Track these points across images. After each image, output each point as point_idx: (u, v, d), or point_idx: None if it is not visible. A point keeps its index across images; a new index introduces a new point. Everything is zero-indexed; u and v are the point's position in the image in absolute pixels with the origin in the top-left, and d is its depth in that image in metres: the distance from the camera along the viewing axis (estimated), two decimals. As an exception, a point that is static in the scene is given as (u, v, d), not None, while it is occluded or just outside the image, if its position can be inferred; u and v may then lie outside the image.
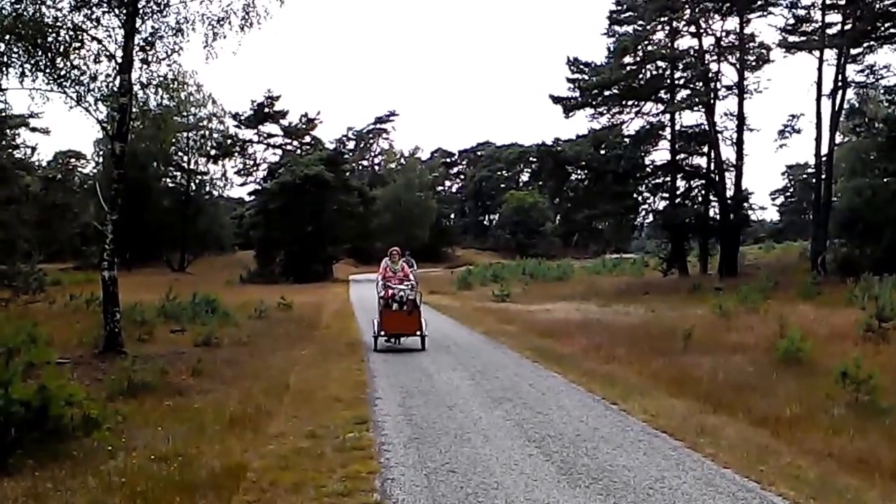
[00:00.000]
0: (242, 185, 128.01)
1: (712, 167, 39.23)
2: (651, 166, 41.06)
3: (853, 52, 33.60)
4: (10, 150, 44.31)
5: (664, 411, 9.18)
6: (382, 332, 15.51)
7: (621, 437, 8.16)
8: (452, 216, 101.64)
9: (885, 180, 30.65)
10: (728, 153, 38.97)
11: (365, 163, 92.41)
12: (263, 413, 9.21)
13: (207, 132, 60.79)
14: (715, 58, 38.60)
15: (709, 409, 9.25)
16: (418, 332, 15.40)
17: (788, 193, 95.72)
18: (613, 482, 6.59)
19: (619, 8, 39.71)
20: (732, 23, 37.97)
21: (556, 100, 39.35)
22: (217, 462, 7.01)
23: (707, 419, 8.76)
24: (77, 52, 14.50)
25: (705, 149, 39.86)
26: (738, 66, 37.80)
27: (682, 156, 40.75)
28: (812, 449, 7.47)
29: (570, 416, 9.01)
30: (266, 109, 64.75)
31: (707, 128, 38.65)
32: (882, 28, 32.84)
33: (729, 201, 38.36)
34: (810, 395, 9.55)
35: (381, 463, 7.15)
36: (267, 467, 7.02)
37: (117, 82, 14.38)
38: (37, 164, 59.03)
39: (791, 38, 35.21)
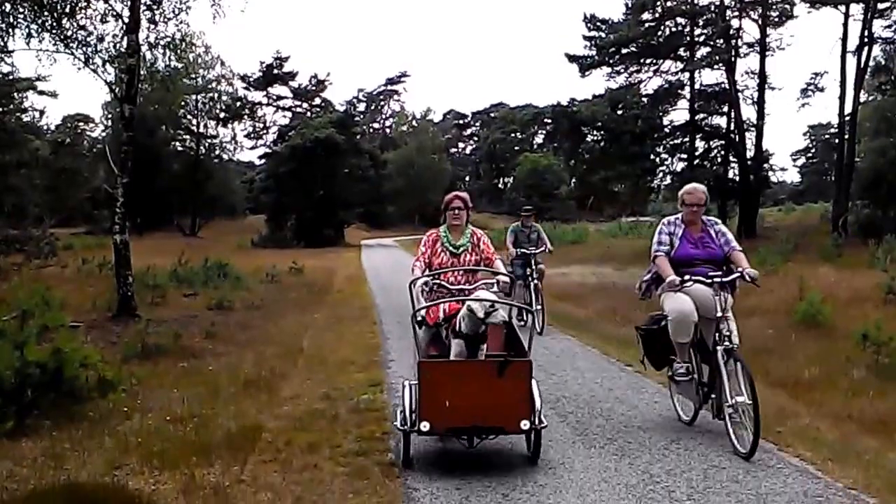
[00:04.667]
0: (252, 148, 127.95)
1: (732, 127, 38.56)
2: (669, 127, 40.42)
3: (880, 6, 32.39)
4: (18, 114, 44.20)
5: (680, 374, 9.11)
6: (426, 425, 5.74)
7: (636, 398, 8.13)
8: (466, 179, 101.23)
9: (909, 141, 30.08)
10: (748, 113, 38.25)
11: (376, 125, 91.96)
12: (277, 376, 9.22)
13: (216, 94, 60.41)
14: (736, 13, 37.37)
15: (725, 371, 9.18)
16: (524, 423, 5.74)
17: (810, 154, 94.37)
18: (628, 443, 6.57)
19: (639, -38, 38.83)
20: (755, -24, 37.18)
21: (572, 59, 38.72)
22: (232, 423, 7.02)
23: (723, 381, 8.69)
24: (83, 11, 14.40)
25: (725, 108, 39.06)
26: (760, 21, 36.74)
27: (702, 116, 40.00)
28: (831, 411, 7.41)
29: (585, 377, 8.97)
30: (275, 71, 64.35)
31: (727, 86, 37.92)
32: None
33: (749, 162, 37.78)
34: (830, 357, 9.46)
35: (395, 424, 7.12)
36: (282, 428, 7.03)
37: (124, 43, 14.25)
38: (45, 128, 59.00)
39: (816, -8, 34.36)
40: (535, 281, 12.55)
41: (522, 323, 11.38)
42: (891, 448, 6.28)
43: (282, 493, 5.43)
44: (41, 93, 47.04)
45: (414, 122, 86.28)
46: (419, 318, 6.43)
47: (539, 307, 12.27)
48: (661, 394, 8.29)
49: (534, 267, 12.66)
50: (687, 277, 6.63)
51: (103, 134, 58.49)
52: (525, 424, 5.67)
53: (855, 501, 5.21)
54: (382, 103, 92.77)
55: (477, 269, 6.75)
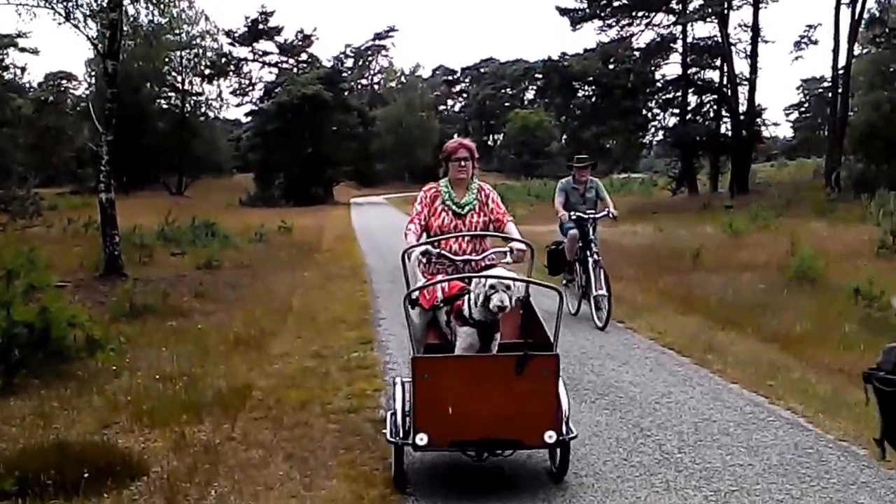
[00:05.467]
0: (238, 105, 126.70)
1: (725, 81, 38.37)
2: (661, 81, 40.21)
3: (876, -45, 32.35)
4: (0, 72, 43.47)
5: (672, 329, 9.15)
6: (424, 437, 4.48)
7: (627, 354, 8.14)
8: (455, 136, 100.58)
9: (904, 94, 29.94)
10: (741, 66, 38.09)
11: (364, 82, 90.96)
12: (267, 334, 9.17)
13: (201, 51, 59.40)
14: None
15: (717, 326, 9.22)
16: (548, 435, 4.50)
17: (803, 109, 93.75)
18: (619, 398, 6.58)
19: None
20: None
21: (563, 11, 38.28)
22: (222, 381, 6.98)
23: (715, 336, 8.73)
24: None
25: (718, 62, 38.85)
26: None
27: (694, 70, 39.77)
28: (822, 364, 7.43)
29: (576, 334, 8.96)
30: (260, 26, 63.26)
31: (720, 40, 37.64)
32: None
33: (741, 117, 37.65)
34: (822, 312, 9.48)
35: (386, 381, 7.12)
36: (273, 386, 7.00)
37: (106, -3, 13.93)
38: (27, 86, 58.03)
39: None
40: (595, 256, 9.64)
41: (574, 312, 10.04)
42: (881, 400, 6.29)
43: (273, 450, 5.41)
44: (22, 50, 46.17)
45: (402, 79, 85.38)
46: (413, 298, 5.08)
47: (603, 293, 9.35)
48: (652, 349, 8.31)
49: (592, 237, 9.77)
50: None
51: (87, 92, 57.56)
52: (550, 437, 4.43)
53: (845, 453, 5.23)
54: (370, 59, 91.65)
55: (486, 234, 5.53)
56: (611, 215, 9.96)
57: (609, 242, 18.59)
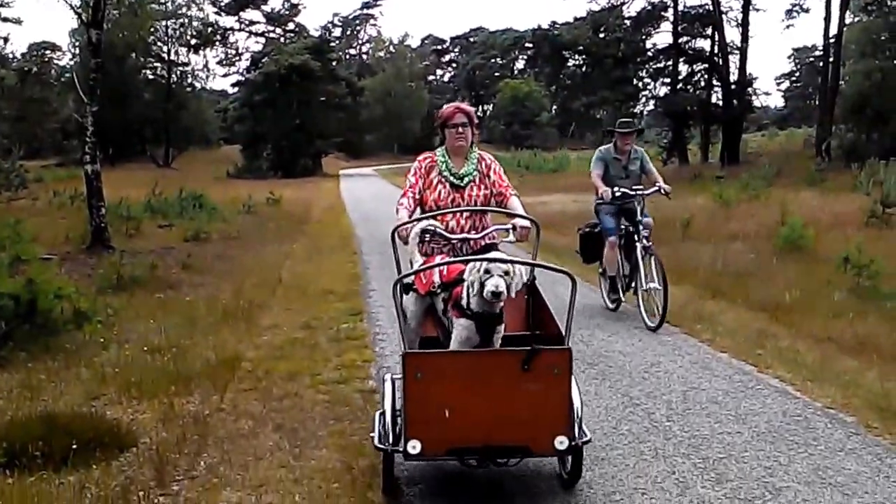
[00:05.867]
0: (225, 76, 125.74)
1: (716, 50, 38.21)
2: (652, 50, 40.06)
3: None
4: (-19, 42, 42.87)
5: (660, 298, 9.15)
6: (416, 445, 3.89)
7: (617, 324, 8.15)
8: (437, 111, 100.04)
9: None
10: (733, 35, 37.95)
11: (352, 52, 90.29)
12: (256, 306, 9.13)
13: (186, 20, 58.91)
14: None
15: (707, 296, 9.24)
16: (559, 441, 3.93)
17: (794, 78, 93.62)
18: (609, 367, 6.59)
19: None
20: None
21: (554, -21, 37.97)
22: (211, 353, 6.95)
23: (705, 305, 8.76)
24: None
25: (709, 31, 38.68)
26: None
27: (685, 39, 39.58)
28: (811, 333, 7.46)
29: (565, 304, 8.95)
30: (247, -5, 62.64)
31: (711, 8, 37.43)
32: None
33: (732, 86, 37.55)
34: (811, 281, 9.52)
35: (375, 352, 7.13)
36: (262, 357, 6.99)
37: (89, -35, 13.71)
38: (10, 56, 57.35)
39: None
40: (645, 241, 8.02)
41: (613, 307, 8.74)
42: (869, 368, 6.34)
43: (262, 420, 5.41)
44: (5, 20, 45.44)
45: (391, 48, 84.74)
46: (407, 283, 4.61)
47: (656, 286, 7.79)
48: (641, 319, 8.31)
49: (640, 217, 8.14)
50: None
51: (71, 62, 57.00)
52: (562, 443, 3.90)
53: (833, 420, 5.27)
54: (358, 28, 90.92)
55: (487, 209, 5.03)
56: (663, 191, 8.26)
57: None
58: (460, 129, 5.04)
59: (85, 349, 7.10)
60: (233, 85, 67.17)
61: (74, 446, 4.62)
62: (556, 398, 3.92)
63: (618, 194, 8.10)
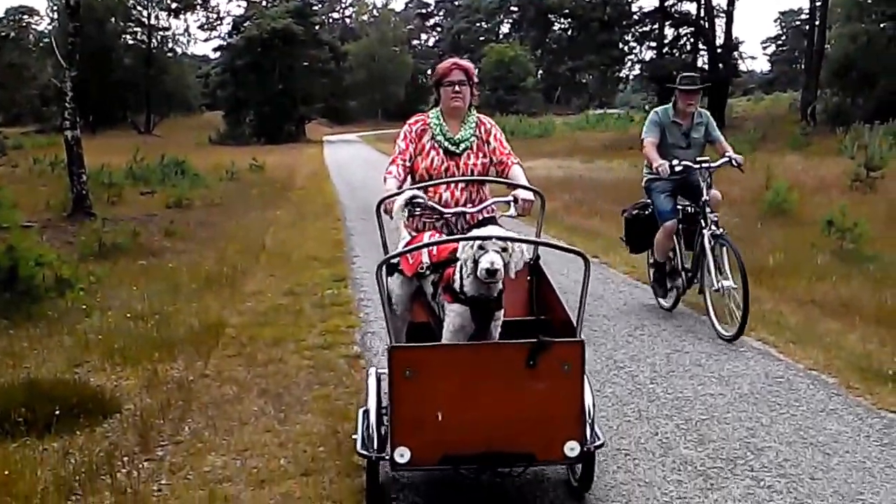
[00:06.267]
0: (206, 41, 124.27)
1: (702, 14, 38.01)
2: (638, 13, 39.80)
3: None
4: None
5: (645, 264, 9.16)
6: (404, 453, 3.41)
7: (602, 288, 8.17)
8: (429, 72, 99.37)
9: (881, 26, 29.86)
10: (719, -2, 37.75)
11: (335, 15, 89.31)
12: (240, 272, 9.10)
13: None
14: None
15: (690, 259, 9.25)
16: (570, 447, 3.44)
17: (780, 42, 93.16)
18: (593, 331, 6.61)
19: None
20: None
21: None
22: (195, 319, 6.93)
23: (688, 269, 8.77)
24: None
25: (695, -6, 38.52)
26: None
27: (671, 1, 39.36)
28: (795, 296, 7.52)
29: (551, 268, 8.87)
30: (228, -41, 61.70)
31: (698, -30, 37.23)
32: None
33: (718, 50, 37.43)
34: (795, 244, 9.58)
35: (360, 318, 7.13)
36: (246, 324, 6.97)
37: (66, -74, 13.43)
38: (-13, 22, 56.40)
39: None
40: (714, 227, 6.42)
41: (669, 306, 7.15)
42: (851, 330, 6.40)
43: (247, 386, 5.40)
44: (-20, -15, 44.72)
45: (374, 12, 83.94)
46: (392, 262, 4.05)
47: (730, 283, 6.22)
48: (626, 283, 8.35)
49: (706, 196, 6.51)
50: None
51: (49, 27, 56.06)
52: (573, 449, 3.42)
53: (815, 381, 5.32)
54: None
55: (486, 179, 4.51)
56: (734, 163, 6.65)
57: (584, 178, 18.64)
58: (457, 88, 4.48)
59: (67, 316, 7.06)
60: (214, 50, 66.70)
61: (58, 413, 4.59)
62: (566, 398, 3.41)
63: (678, 168, 6.47)
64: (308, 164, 29.34)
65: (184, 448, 4.46)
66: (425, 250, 3.93)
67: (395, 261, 4.02)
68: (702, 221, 6.59)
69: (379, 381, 3.98)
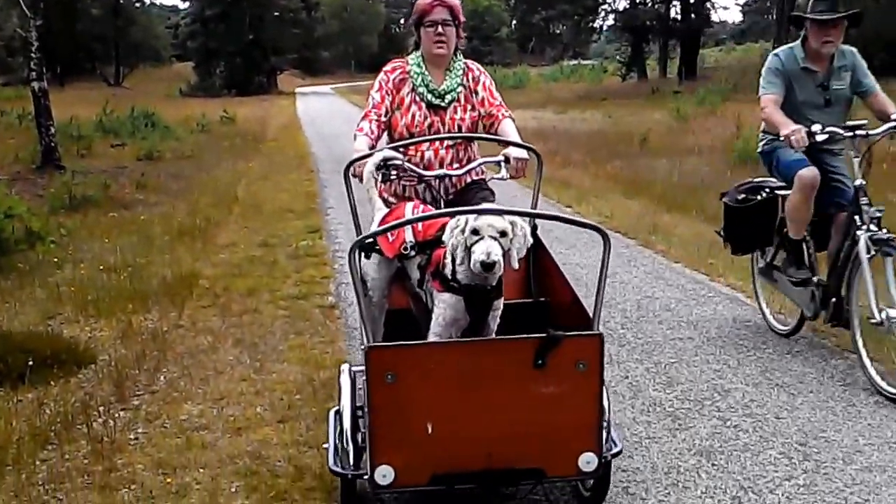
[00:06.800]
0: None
1: (675, -37, 37.82)
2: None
3: None
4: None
5: (618, 212, 9.28)
6: (387, 472, 2.83)
7: (574, 237, 8.22)
8: (402, 22, 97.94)
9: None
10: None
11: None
12: (212, 224, 9.07)
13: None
14: None
15: (662, 208, 9.38)
16: (585, 460, 2.89)
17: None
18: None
19: None
20: None
21: None
22: (168, 271, 6.92)
23: (660, 218, 8.89)
24: None
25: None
26: None
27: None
28: (762, 242, 7.62)
29: (523, 218, 9.03)
30: None
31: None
32: None
33: (691, 0, 37.33)
34: (763, 192, 9.68)
35: (335, 269, 7.15)
36: (219, 275, 6.97)
37: None
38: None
39: None
40: (874, 227, 4.39)
41: (787, 329, 5.21)
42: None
43: (221, 336, 5.42)
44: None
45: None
46: (366, 242, 3.31)
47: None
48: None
49: (858, 178, 4.47)
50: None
51: (12, -24, 54.52)
52: (589, 462, 2.88)
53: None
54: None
55: (475, 136, 3.96)
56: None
57: (557, 129, 18.62)
58: (440, 30, 3.84)
59: (39, 269, 7.03)
60: (183, 0, 65.01)
61: (31, 364, 4.61)
62: (581, 404, 2.86)
63: (821, 137, 4.41)
64: (280, 115, 29.03)
65: (160, 397, 4.49)
66: (410, 227, 3.24)
67: (370, 242, 3.34)
68: (855, 218, 4.46)
69: (353, 380, 3.41)
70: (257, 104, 34.72)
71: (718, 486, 3.43)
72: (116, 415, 4.24)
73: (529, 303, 3.80)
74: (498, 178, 3.79)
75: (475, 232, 2.87)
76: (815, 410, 4.12)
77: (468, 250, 2.88)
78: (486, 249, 2.83)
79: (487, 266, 2.84)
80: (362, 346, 2.96)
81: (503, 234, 2.88)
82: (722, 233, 5.31)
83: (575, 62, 56.87)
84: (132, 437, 4.01)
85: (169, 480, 3.57)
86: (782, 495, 3.33)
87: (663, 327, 5.43)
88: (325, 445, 3.33)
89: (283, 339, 5.37)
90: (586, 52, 67.70)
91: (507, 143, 3.79)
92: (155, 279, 6.69)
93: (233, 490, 3.47)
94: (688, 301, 5.99)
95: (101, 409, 4.28)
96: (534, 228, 3.71)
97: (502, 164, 3.72)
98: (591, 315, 2.97)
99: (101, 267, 7.03)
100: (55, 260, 7.25)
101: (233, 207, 10.34)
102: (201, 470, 3.65)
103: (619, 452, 3.14)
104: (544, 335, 2.82)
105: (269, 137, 20.80)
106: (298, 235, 8.55)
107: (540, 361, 2.81)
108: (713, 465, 3.61)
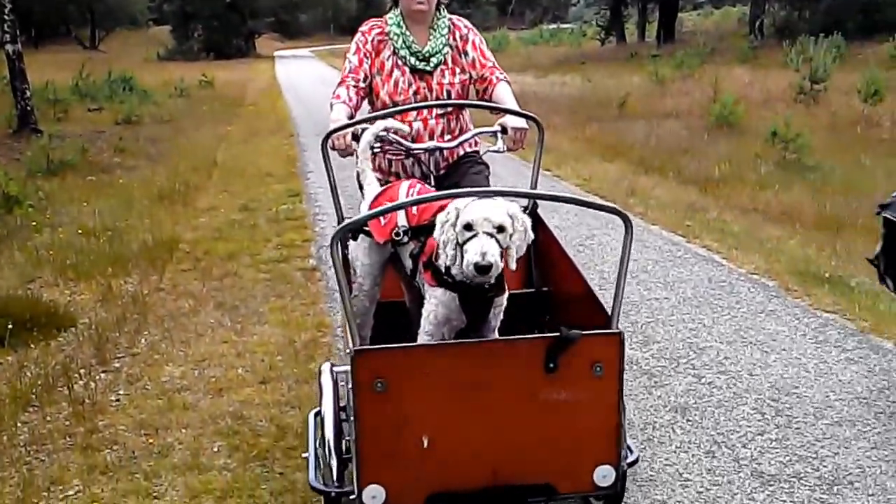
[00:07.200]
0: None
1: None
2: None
3: None
4: None
5: (597, 175, 9.33)
6: (377, 492, 2.42)
7: (522, 182, 8.25)
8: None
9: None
10: None
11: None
12: (192, 188, 9.04)
13: None
14: None
15: (641, 171, 9.44)
16: (601, 474, 2.51)
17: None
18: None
19: None
20: None
21: None
22: (148, 235, 6.90)
23: (638, 181, 8.94)
24: None
25: None
26: None
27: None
28: (738, 204, 7.73)
29: (503, 181, 9.04)
30: None
31: None
32: None
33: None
34: (740, 155, 9.79)
35: (316, 232, 7.16)
36: (200, 239, 6.96)
37: None
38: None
39: None
40: None
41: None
42: (792, 236, 6.63)
43: (202, 299, 5.43)
44: None
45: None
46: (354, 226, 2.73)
47: None
48: (576, 194, 8.45)
49: None
50: None
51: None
52: (605, 477, 2.53)
53: (756, 285, 5.52)
54: None
55: (467, 103, 3.54)
56: None
57: (538, 93, 18.56)
58: None
59: (17, 233, 6.99)
60: (159, -39, 63.76)
61: (11, 327, 4.61)
62: (597, 412, 2.50)
63: None
64: (259, 79, 28.73)
65: (141, 360, 4.51)
66: (403, 213, 2.81)
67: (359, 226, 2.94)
68: None
69: (335, 381, 3.00)
70: (236, 68, 34.36)
71: (693, 440, 3.52)
72: (97, 377, 4.27)
73: (530, 293, 3.34)
74: (494, 151, 3.41)
75: (468, 227, 2.44)
76: (787, 367, 4.21)
77: (460, 247, 2.46)
78: (481, 249, 2.40)
79: (482, 269, 2.41)
80: (347, 351, 2.49)
81: (501, 229, 2.45)
82: (880, 261, 3.81)
83: (554, 26, 56.57)
84: (113, 398, 4.04)
85: (151, 441, 3.61)
86: (755, 449, 3.42)
87: (640, 288, 5.50)
88: (305, 455, 2.98)
89: (264, 301, 5.39)
90: (565, 15, 67.36)
91: (504, 112, 3.38)
92: (135, 243, 6.68)
93: (215, 450, 3.51)
94: (664, 262, 6.05)
95: (81, 371, 4.30)
96: (534, 206, 3.36)
97: (499, 134, 3.37)
98: (607, 309, 2.58)
99: (80, 231, 7.00)
100: (34, 224, 7.22)
101: (212, 171, 10.29)
102: (183, 430, 3.69)
103: (636, 461, 2.83)
104: (556, 334, 2.40)
105: (249, 101, 20.62)
106: (279, 199, 8.53)
107: (551, 365, 2.42)
108: (688, 420, 3.69)
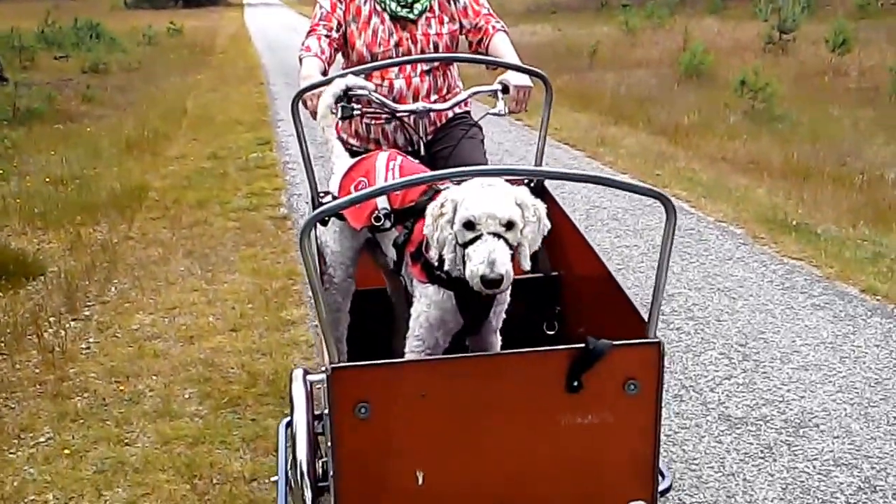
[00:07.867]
0: None
1: None
2: None
3: None
4: None
5: (567, 125, 9.32)
6: None
7: (524, 149, 8.26)
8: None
9: None
10: None
11: None
12: (161, 137, 8.95)
13: None
14: None
15: (610, 121, 9.45)
16: None
17: None
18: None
19: None
20: None
21: None
22: (117, 183, 6.85)
23: (608, 130, 8.97)
24: None
25: None
26: None
27: None
28: (707, 154, 7.77)
29: (492, 139, 9.03)
30: None
31: None
32: None
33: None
34: (709, 105, 9.82)
35: (286, 180, 7.13)
36: (169, 187, 6.92)
37: None
38: None
39: None
40: None
41: None
42: (759, 185, 6.69)
43: (172, 247, 5.42)
44: None
45: None
46: (324, 209, 1.84)
47: None
48: (547, 144, 8.41)
49: None
50: None
51: None
52: None
53: (724, 232, 5.58)
54: None
55: (460, 57, 3.04)
56: None
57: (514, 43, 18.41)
58: None
59: (-17, 182, 6.90)
60: None
61: (-22, 275, 4.58)
62: (630, 439, 1.97)
63: None
64: (229, 27, 28.26)
65: (111, 308, 4.50)
66: (386, 196, 2.30)
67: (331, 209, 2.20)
68: None
69: (309, 390, 2.39)
70: (205, 16, 33.74)
71: (659, 384, 3.58)
72: (67, 325, 4.26)
73: (537, 278, 2.74)
74: (493, 114, 2.83)
75: (469, 225, 1.91)
76: (754, 313, 4.28)
77: (460, 248, 1.96)
78: (489, 257, 1.87)
79: (492, 283, 1.87)
80: (323, 368, 1.91)
81: (510, 225, 1.92)
82: None
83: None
84: (84, 346, 4.04)
85: (122, 388, 3.61)
86: (722, 393, 3.49)
87: (611, 236, 5.55)
88: (274, 479, 2.57)
89: (234, 250, 5.38)
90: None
91: (505, 67, 2.87)
92: (104, 191, 6.62)
93: (186, 396, 3.53)
94: (634, 210, 6.09)
95: (51, 319, 4.29)
96: (540, 182, 2.82)
97: (499, 94, 2.84)
98: (630, 298, 2.10)
99: (48, 179, 6.93)
100: (0, 172, 7.10)
101: (182, 120, 10.18)
102: (154, 377, 3.70)
103: (669, 489, 2.32)
104: (581, 346, 1.86)
105: (218, 50, 20.31)
106: (249, 147, 8.47)
107: (575, 383, 1.89)
108: (654, 364, 3.75)
